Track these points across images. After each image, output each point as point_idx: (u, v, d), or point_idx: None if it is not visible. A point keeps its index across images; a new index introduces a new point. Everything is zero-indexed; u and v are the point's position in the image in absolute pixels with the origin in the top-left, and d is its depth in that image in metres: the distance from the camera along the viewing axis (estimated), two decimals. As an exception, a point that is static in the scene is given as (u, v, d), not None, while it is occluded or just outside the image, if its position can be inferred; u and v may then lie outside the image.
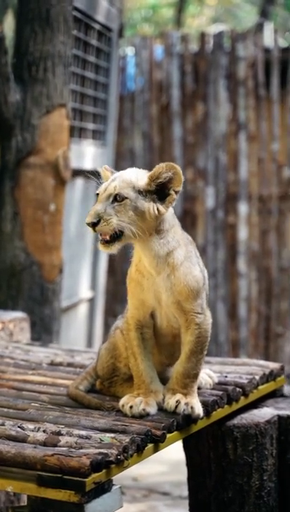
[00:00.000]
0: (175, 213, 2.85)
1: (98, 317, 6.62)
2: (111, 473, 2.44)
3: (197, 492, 3.16)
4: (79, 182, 5.97)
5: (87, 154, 6.11)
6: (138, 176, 2.72)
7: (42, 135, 4.63)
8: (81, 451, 2.43)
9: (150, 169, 2.74)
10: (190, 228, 7.42)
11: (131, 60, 7.99)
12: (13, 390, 3.13)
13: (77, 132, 5.90)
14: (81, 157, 5.92)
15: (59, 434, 2.59)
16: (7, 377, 3.28)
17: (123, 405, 2.82)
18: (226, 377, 3.19)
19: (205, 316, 2.84)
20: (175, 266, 2.76)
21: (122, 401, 2.84)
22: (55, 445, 2.51)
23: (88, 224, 2.64)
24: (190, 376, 2.83)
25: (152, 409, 2.80)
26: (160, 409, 2.82)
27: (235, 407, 3.09)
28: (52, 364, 3.51)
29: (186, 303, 2.79)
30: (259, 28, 9.50)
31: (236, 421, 3.07)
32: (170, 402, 2.81)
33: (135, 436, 2.57)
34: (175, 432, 2.76)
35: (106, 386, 3.05)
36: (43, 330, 4.68)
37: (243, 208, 7.55)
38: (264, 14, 11.79)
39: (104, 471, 2.40)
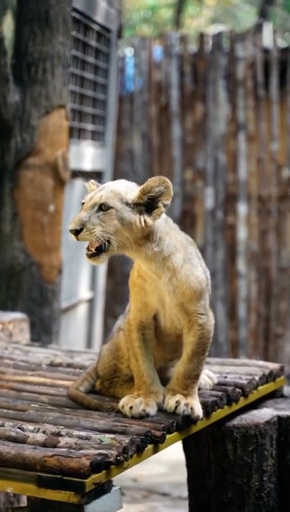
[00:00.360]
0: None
1: (97, 318, 6.62)
2: (111, 474, 2.44)
3: (197, 493, 3.16)
4: (79, 183, 5.97)
5: (86, 155, 6.10)
6: (127, 189, 2.70)
7: (41, 136, 4.63)
8: (81, 452, 2.43)
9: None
10: (189, 229, 7.41)
11: (130, 60, 7.99)
12: (12, 390, 3.13)
13: (76, 133, 5.90)
14: (80, 158, 5.92)
15: (59, 435, 2.59)
16: (7, 378, 3.28)
17: (123, 406, 2.82)
18: (226, 377, 3.19)
19: (208, 317, 2.84)
20: (176, 269, 2.76)
21: (122, 402, 2.84)
22: (54, 446, 2.51)
23: (71, 231, 2.62)
24: (191, 377, 2.83)
25: (152, 410, 2.80)
26: (160, 409, 2.82)
27: (235, 407, 3.09)
28: (52, 365, 3.51)
29: (189, 304, 2.79)
30: (258, 28, 9.50)
31: (236, 422, 3.07)
32: (170, 402, 2.81)
33: (135, 437, 2.57)
34: (175, 433, 2.76)
35: (106, 387, 3.05)
36: (43, 331, 4.68)
37: (242, 208, 7.55)
38: (263, 15, 11.80)
39: (103, 471, 2.40)
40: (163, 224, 2.76)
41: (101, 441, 2.53)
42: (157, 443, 2.66)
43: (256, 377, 3.21)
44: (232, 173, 7.59)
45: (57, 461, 2.37)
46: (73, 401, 2.99)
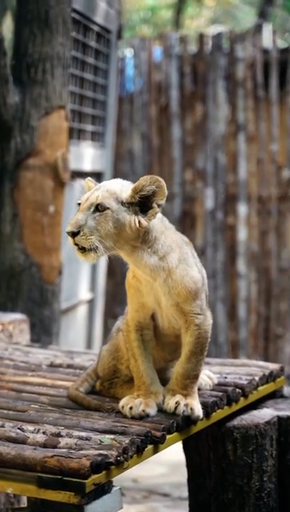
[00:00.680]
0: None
1: (97, 319, 6.62)
2: (111, 475, 2.44)
3: (197, 493, 3.16)
4: (79, 183, 5.97)
5: (86, 156, 6.11)
6: (122, 188, 2.69)
7: (41, 137, 4.64)
8: (81, 452, 2.43)
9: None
10: (189, 229, 7.42)
11: (129, 61, 8.00)
12: (12, 391, 3.13)
13: (76, 134, 5.90)
14: (80, 159, 5.92)
15: (59, 435, 2.59)
16: (7, 379, 3.28)
17: (123, 406, 2.82)
18: (226, 378, 3.19)
19: (205, 317, 2.83)
20: (171, 269, 2.75)
21: (122, 402, 2.84)
22: (54, 446, 2.51)
23: (68, 233, 2.62)
24: (190, 377, 2.83)
25: (152, 411, 2.80)
26: (160, 410, 2.82)
27: (235, 408, 3.08)
28: (52, 365, 3.51)
29: (185, 304, 2.78)
30: (257, 29, 9.49)
31: (236, 422, 3.07)
32: (170, 403, 2.81)
33: (135, 437, 2.57)
34: (175, 433, 2.76)
35: (106, 387, 3.05)
36: (43, 331, 4.68)
37: (242, 208, 7.55)
38: (263, 15, 11.80)
39: (103, 472, 2.40)
40: (159, 223, 2.76)
41: (101, 441, 2.53)
42: (157, 443, 2.66)
43: (256, 378, 3.21)
44: (231, 173, 7.59)
45: (58, 461, 2.37)
46: (73, 402, 2.99)
